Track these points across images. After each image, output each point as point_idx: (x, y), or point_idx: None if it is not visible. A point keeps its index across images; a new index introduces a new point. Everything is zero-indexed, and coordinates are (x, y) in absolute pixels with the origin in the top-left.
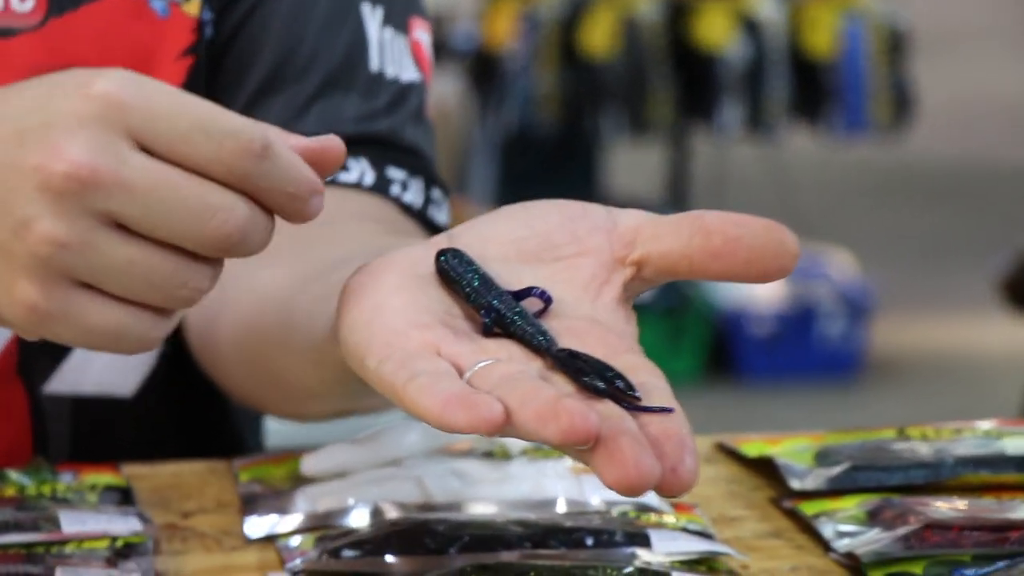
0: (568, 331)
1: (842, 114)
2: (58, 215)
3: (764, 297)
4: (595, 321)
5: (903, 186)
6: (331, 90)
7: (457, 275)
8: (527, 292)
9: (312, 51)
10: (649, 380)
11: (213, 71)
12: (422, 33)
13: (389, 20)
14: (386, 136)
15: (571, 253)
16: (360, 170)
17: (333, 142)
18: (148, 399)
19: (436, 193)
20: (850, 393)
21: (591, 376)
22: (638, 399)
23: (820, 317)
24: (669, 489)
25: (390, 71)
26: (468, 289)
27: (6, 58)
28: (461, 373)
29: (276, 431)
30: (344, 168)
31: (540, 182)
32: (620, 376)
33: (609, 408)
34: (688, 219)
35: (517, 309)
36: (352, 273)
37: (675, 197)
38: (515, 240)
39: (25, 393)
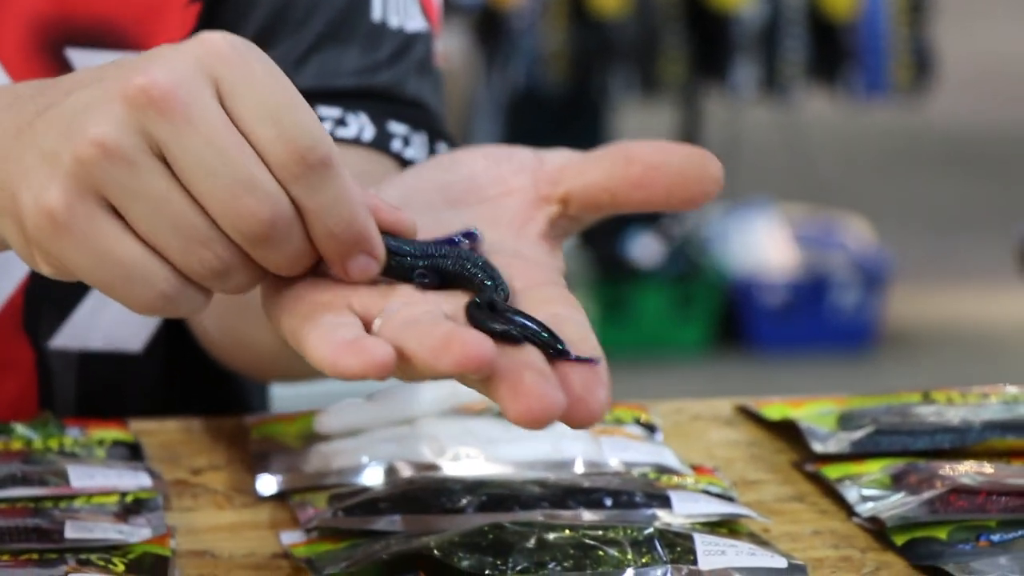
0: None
1: (860, 76)
2: (116, 123)
3: (776, 265)
4: (518, 255)
5: (922, 152)
6: (330, 42)
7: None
8: (451, 240)
9: (311, 1)
10: (564, 312)
11: (210, 19)
12: None
13: None
14: (388, 89)
15: (496, 194)
16: (359, 125)
17: (406, 216)
18: (157, 354)
19: (442, 147)
20: (864, 364)
21: (508, 325)
22: (560, 349)
23: (834, 287)
24: (576, 418)
25: (394, 21)
26: (394, 262)
27: (11, 5)
28: (370, 323)
29: (280, 394)
30: (342, 123)
31: (546, 142)
32: (543, 327)
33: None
34: (611, 151)
35: (441, 252)
36: None
37: None
38: (440, 187)
39: (31, 348)
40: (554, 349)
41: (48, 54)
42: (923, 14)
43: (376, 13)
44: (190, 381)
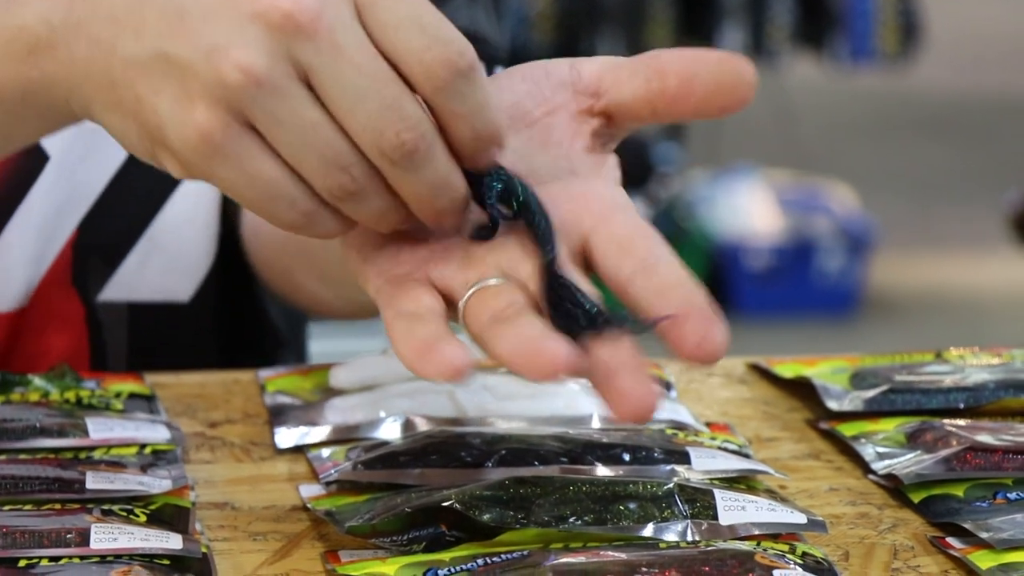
0: (552, 202)
1: (847, 41)
2: (263, 49)
3: (761, 230)
4: (574, 173)
5: (908, 119)
6: None
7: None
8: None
9: None
10: (651, 253)
11: None
12: None
13: None
14: None
15: (540, 115)
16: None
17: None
18: (205, 304)
19: (498, 71)
20: (848, 329)
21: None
22: (623, 327)
23: (819, 251)
24: (701, 364)
25: None
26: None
27: None
28: (453, 299)
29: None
30: None
31: None
32: (600, 312)
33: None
34: (645, 63)
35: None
36: None
37: (671, 125)
38: None
39: (81, 303)
40: (637, 326)
41: None
42: None
43: None
44: (239, 332)
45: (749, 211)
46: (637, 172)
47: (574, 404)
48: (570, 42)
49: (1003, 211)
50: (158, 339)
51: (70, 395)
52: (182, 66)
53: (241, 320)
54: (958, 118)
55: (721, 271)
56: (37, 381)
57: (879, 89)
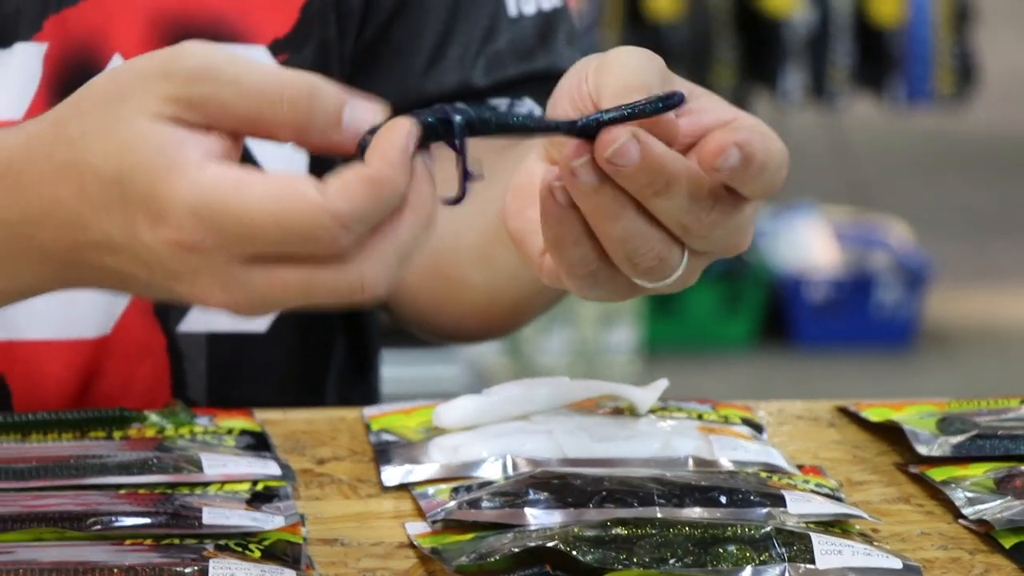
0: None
1: (905, 83)
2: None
3: (821, 264)
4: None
5: (962, 157)
6: (487, 43)
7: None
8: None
9: (465, 11)
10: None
11: (384, 34)
12: None
13: None
14: (546, 71)
15: None
16: (528, 108)
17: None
18: (281, 335)
19: None
20: (905, 361)
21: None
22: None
23: (877, 285)
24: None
25: (529, 8)
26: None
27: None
28: None
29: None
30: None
31: None
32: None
33: None
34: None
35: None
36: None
37: None
38: None
39: (162, 333)
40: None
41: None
42: (967, 23)
43: (512, 9)
44: (312, 363)
45: (809, 245)
46: None
47: (670, 446)
48: None
49: None
50: (236, 369)
51: (184, 431)
52: (164, 284)
53: (315, 350)
54: (1011, 157)
55: (782, 303)
56: (153, 417)
57: (935, 128)
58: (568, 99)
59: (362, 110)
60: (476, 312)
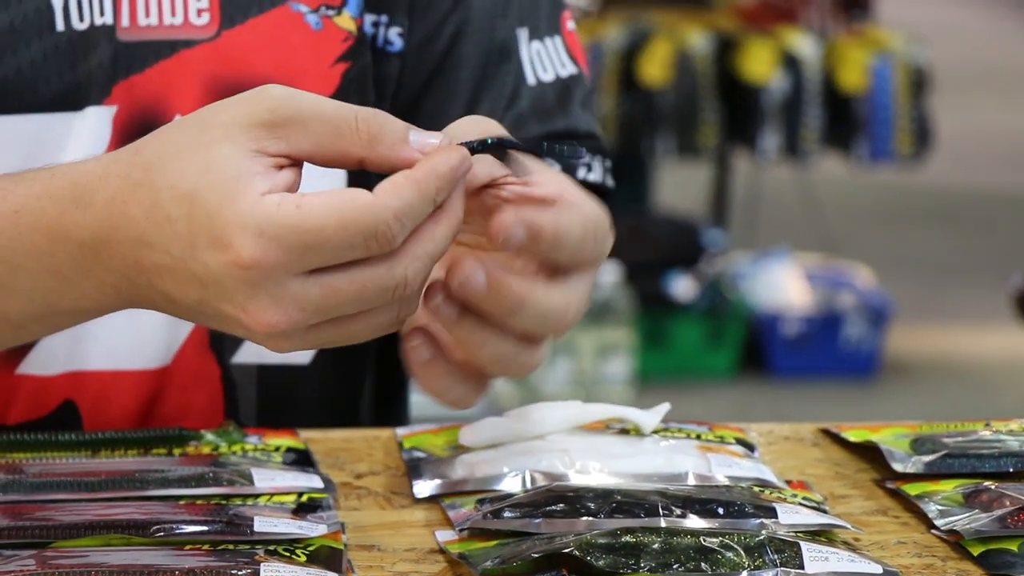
0: None
1: (868, 144)
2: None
3: (794, 303)
4: None
5: (920, 209)
6: (511, 106)
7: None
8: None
9: (491, 82)
10: None
11: (423, 93)
12: (571, 22)
13: (536, 35)
14: (566, 131)
15: None
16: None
17: None
18: (322, 367)
19: (608, 161)
20: (869, 390)
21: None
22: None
23: (844, 322)
24: None
25: (547, 75)
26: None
27: (189, 64)
28: None
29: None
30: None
31: None
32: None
33: None
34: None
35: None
36: None
37: (716, 212)
38: None
39: (216, 364)
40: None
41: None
42: (923, 91)
43: (531, 79)
44: (347, 391)
45: (784, 287)
46: (690, 253)
47: (672, 462)
48: (631, 142)
49: (1007, 292)
50: (283, 396)
51: (236, 448)
52: (233, 316)
53: (350, 380)
54: (963, 210)
55: (759, 338)
56: (208, 436)
57: (895, 184)
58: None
59: (425, 133)
60: None
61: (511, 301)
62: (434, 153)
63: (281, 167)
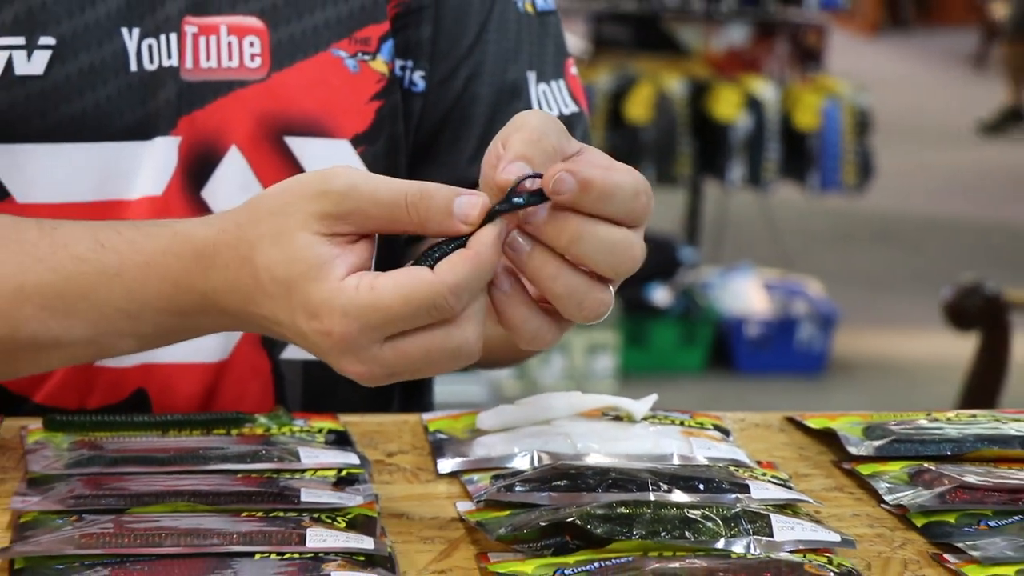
0: None
1: (819, 174)
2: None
3: (756, 309)
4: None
5: (863, 231)
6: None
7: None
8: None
9: (499, 120)
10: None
11: (438, 132)
12: (573, 68)
13: (543, 77)
14: None
15: None
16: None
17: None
18: None
19: None
20: (819, 385)
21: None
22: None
23: (798, 326)
24: None
25: (552, 113)
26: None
27: (243, 101)
28: None
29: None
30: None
31: None
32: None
33: None
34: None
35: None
36: None
37: (690, 232)
38: None
39: (268, 359)
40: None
41: (271, 140)
42: (866, 131)
43: None
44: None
45: (747, 296)
46: (667, 267)
47: (659, 445)
48: None
49: (938, 302)
50: (325, 388)
51: (285, 430)
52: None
53: None
54: (900, 232)
55: (726, 339)
56: (261, 419)
57: (842, 209)
58: (486, 156)
59: (467, 200)
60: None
61: (574, 227)
62: (482, 229)
63: (354, 242)
